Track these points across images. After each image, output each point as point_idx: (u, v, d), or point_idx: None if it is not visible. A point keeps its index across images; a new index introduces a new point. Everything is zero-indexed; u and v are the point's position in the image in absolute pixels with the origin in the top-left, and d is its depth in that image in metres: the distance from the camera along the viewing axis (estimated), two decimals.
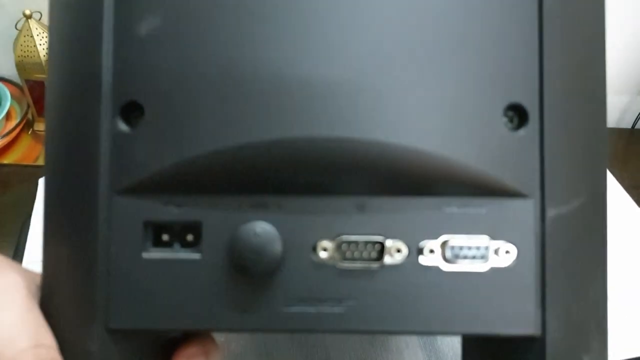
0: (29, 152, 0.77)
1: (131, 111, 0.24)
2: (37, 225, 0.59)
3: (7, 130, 0.75)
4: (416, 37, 0.23)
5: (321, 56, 0.23)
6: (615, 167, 0.73)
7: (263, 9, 0.23)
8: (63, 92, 0.25)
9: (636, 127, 0.86)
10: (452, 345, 0.45)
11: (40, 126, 0.78)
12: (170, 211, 0.24)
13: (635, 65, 0.84)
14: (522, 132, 0.24)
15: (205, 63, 0.23)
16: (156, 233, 0.24)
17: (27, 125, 0.79)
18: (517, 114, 0.24)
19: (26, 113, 0.78)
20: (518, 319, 0.24)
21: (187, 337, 0.29)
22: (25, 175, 0.73)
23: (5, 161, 0.75)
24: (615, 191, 0.70)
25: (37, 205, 0.62)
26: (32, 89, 0.75)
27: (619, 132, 0.88)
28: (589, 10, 0.25)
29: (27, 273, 0.26)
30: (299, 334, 0.45)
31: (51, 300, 0.25)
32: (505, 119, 0.24)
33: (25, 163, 0.76)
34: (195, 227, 0.24)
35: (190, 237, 0.24)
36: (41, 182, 0.64)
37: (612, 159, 0.75)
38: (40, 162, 0.74)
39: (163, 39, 0.24)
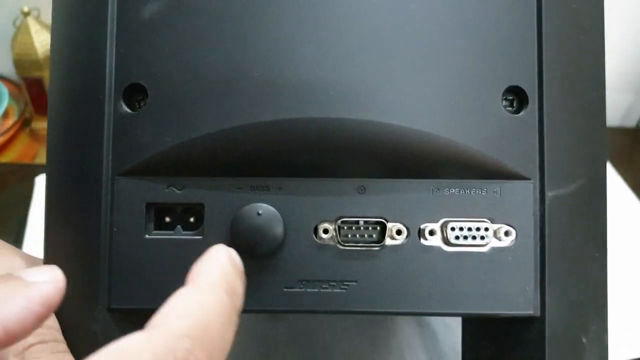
0: (26, 151, 0.77)
1: (134, 94, 0.24)
2: (35, 224, 0.59)
3: (4, 128, 0.75)
4: (418, 21, 0.24)
5: (321, 40, 0.23)
6: (619, 165, 0.74)
7: None
8: (67, 75, 0.25)
9: None
10: (453, 346, 0.45)
11: (38, 124, 0.78)
12: (173, 193, 0.24)
13: (638, 63, 0.84)
14: (521, 114, 0.24)
15: (207, 46, 0.24)
16: (158, 215, 0.25)
17: (24, 123, 0.79)
18: (517, 97, 0.24)
19: (24, 111, 0.78)
20: (517, 300, 0.24)
21: None
22: (23, 174, 0.72)
23: (3, 160, 0.75)
24: (619, 189, 0.71)
25: (34, 204, 0.62)
26: (29, 87, 0.75)
27: (623, 130, 0.88)
28: None
29: (29, 257, 0.26)
30: (299, 335, 0.45)
31: None
32: (505, 102, 0.24)
33: (22, 162, 0.75)
34: (197, 209, 0.24)
35: (192, 219, 0.25)
36: (38, 180, 0.64)
37: (617, 158, 0.75)
38: (38, 160, 0.74)
39: (166, 23, 0.24)
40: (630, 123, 0.89)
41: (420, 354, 0.43)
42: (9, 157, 0.76)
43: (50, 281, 0.20)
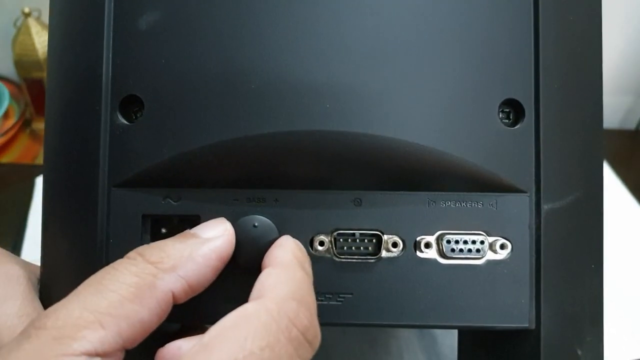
0: (26, 151, 0.77)
1: (130, 105, 0.24)
2: (35, 224, 0.59)
3: (5, 129, 0.75)
4: (413, 35, 0.24)
5: (318, 52, 0.23)
6: (619, 168, 0.73)
7: (261, 5, 0.24)
8: (63, 85, 0.25)
9: None
10: (452, 348, 0.45)
11: (38, 125, 0.78)
12: (169, 205, 0.24)
13: (638, 65, 0.84)
14: (518, 127, 0.24)
15: (204, 58, 0.24)
16: (155, 226, 0.25)
17: (25, 124, 0.79)
18: (514, 110, 0.24)
19: (24, 112, 0.78)
20: (513, 313, 0.24)
21: (183, 332, 0.29)
22: (23, 175, 0.72)
23: (3, 160, 0.75)
24: (619, 192, 0.71)
25: (34, 204, 0.62)
26: (30, 88, 0.75)
27: (622, 133, 0.88)
28: (585, 6, 0.25)
29: (28, 265, 0.26)
30: None
31: (50, 292, 0.25)
32: (501, 115, 0.24)
33: (23, 162, 0.75)
34: (193, 221, 0.24)
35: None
36: (38, 181, 0.64)
37: (616, 160, 0.75)
38: (38, 161, 0.74)
39: (162, 34, 0.24)
40: (630, 125, 0.88)
41: (419, 355, 0.43)
42: (9, 157, 0.76)
43: (222, 235, 0.22)
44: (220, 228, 0.23)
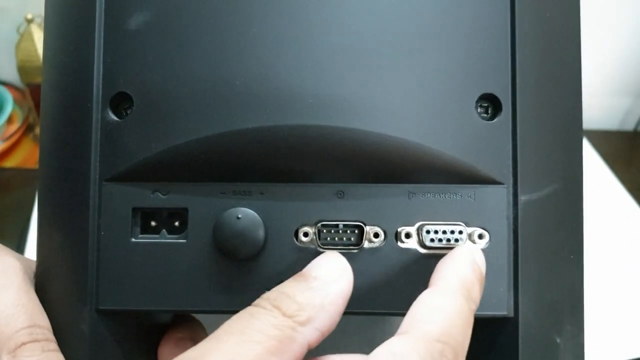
0: (29, 156, 0.78)
1: (120, 102, 0.25)
2: None
3: (8, 134, 0.76)
4: (393, 30, 0.24)
5: (300, 49, 0.24)
6: (618, 169, 0.74)
7: (246, 6, 0.24)
8: (57, 83, 0.26)
9: (639, 129, 0.87)
10: None
11: None
12: (158, 198, 0.25)
13: (637, 67, 0.84)
14: (495, 121, 0.25)
15: (190, 56, 0.24)
16: (144, 219, 0.25)
17: (28, 129, 0.80)
18: (491, 104, 0.25)
19: (27, 117, 0.79)
20: (491, 301, 0.24)
21: (175, 323, 0.29)
22: (26, 179, 0.73)
23: (6, 164, 0.76)
24: (617, 193, 0.71)
25: (36, 208, 0.63)
26: (33, 93, 0.76)
27: (621, 134, 0.89)
28: (562, 3, 0.26)
29: (24, 259, 0.27)
30: None
31: (45, 283, 0.26)
32: (479, 109, 0.25)
33: (26, 167, 0.76)
34: (181, 214, 0.25)
35: (176, 223, 0.25)
36: None
37: (615, 162, 0.75)
38: None
39: (151, 33, 0.25)
40: (629, 127, 0.89)
41: None
42: (12, 161, 0.77)
43: (343, 275, 0.22)
44: (339, 267, 0.23)
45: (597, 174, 0.73)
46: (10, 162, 0.76)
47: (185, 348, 0.28)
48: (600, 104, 0.85)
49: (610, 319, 0.53)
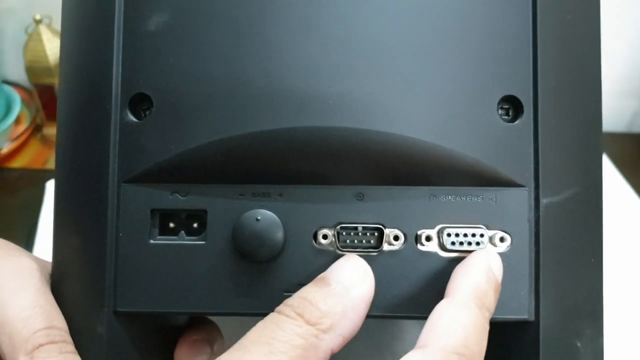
0: (37, 156, 0.78)
1: (139, 103, 0.25)
2: (45, 229, 0.60)
3: (16, 134, 0.76)
4: (413, 31, 0.24)
5: (320, 51, 0.24)
6: (626, 171, 0.73)
7: (264, 8, 0.24)
8: (75, 85, 0.26)
9: None
10: None
11: (49, 130, 0.79)
12: (177, 200, 0.25)
13: None
14: (517, 123, 0.25)
15: (210, 58, 0.24)
16: (163, 221, 0.25)
17: (36, 129, 0.80)
18: (513, 106, 0.25)
19: (35, 117, 0.79)
20: (512, 305, 0.24)
21: (191, 325, 0.29)
22: (34, 180, 0.73)
23: (14, 165, 0.76)
24: (626, 196, 0.71)
25: (45, 209, 0.63)
26: (41, 94, 0.76)
27: (629, 136, 0.88)
28: (583, 5, 0.26)
29: (39, 260, 0.27)
30: None
31: (61, 285, 0.25)
32: (501, 111, 0.25)
33: (33, 167, 0.76)
34: (200, 215, 0.25)
35: (195, 225, 0.25)
36: (48, 185, 0.65)
37: (624, 164, 0.75)
38: (49, 166, 0.75)
39: (170, 34, 0.25)
40: (637, 129, 0.88)
41: None
42: (20, 162, 0.77)
43: (365, 280, 0.23)
44: (361, 271, 0.23)
45: (605, 176, 0.72)
46: (18, 163, 0.76)
47: (202, 350, 0.28)
48: (608, 105, 0.85)
49: (620, 321, 0.53)
